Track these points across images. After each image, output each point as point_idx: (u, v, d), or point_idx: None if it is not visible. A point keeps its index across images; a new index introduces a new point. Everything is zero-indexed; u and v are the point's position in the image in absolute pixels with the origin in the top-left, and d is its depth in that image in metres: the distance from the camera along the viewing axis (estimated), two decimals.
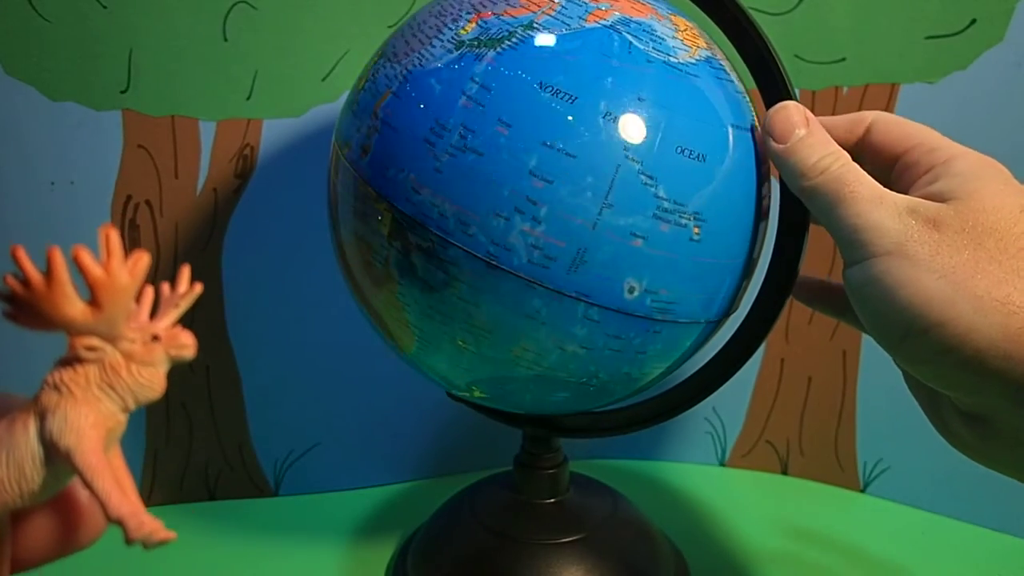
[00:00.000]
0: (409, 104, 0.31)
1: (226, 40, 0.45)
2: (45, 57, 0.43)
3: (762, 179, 0.33)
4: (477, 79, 0.30)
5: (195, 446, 0.52)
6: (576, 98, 0.29)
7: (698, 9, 0.36)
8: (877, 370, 0.52)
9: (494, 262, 0.29)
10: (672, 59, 0.31)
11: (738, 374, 0.37)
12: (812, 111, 0.32)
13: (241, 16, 0.44)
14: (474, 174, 0.29)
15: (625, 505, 0.46)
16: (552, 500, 0.43)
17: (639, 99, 0.30)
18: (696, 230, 0.30)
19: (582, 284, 0.30)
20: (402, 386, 0.52)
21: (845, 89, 0.48)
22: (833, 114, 0.41)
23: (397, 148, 0.31)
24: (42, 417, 0.18)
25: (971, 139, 0.31)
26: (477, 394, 0.36)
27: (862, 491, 0.54)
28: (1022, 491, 0.48)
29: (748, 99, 0.34)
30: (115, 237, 0.18)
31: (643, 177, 0.29)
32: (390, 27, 0.45)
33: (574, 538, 0.41)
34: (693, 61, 0.32)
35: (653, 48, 0.31)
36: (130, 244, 0.48)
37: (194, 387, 0.51)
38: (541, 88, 0.29)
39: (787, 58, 0.36)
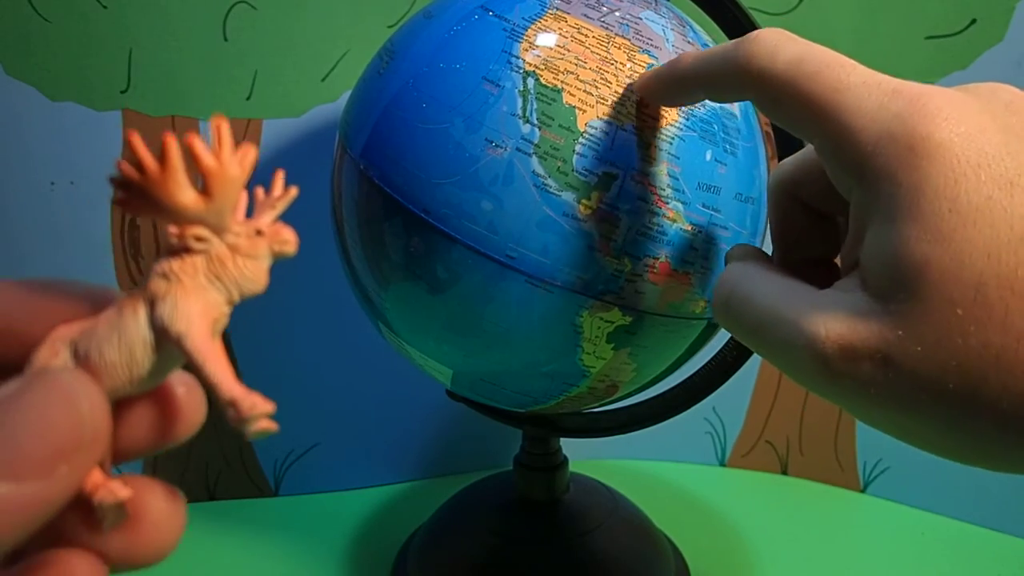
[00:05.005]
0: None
1: (226, 40, 0.45)
2: (45, 57, 0.43)
3: (760, 179, 0.33)
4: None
5: (195, 446, 0.52)
6: None
7: (698, 9, 0.36)
8: None
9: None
10: None
11: (738, 374, 0.37)
12: None
13: (241, 16, 0.44)
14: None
15: (625, 505, 0.45)
16: (552, 500, 0.43)
17: None
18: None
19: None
20: (402, 386, 0.52)
21: None
22: None
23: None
24: (151, 304, 0.18)
25: None
26: (480, 391, 0.36)
27: (862, 491, 0.54)
28: (1022, 491, 0.49)
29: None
30: (226, 128, 0.17)
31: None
32: (390, 27, 0.45)
33: (574, 538, 0.41)
34: None
35: None
36: (131, 244, 0.48)
37: None
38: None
39: None
